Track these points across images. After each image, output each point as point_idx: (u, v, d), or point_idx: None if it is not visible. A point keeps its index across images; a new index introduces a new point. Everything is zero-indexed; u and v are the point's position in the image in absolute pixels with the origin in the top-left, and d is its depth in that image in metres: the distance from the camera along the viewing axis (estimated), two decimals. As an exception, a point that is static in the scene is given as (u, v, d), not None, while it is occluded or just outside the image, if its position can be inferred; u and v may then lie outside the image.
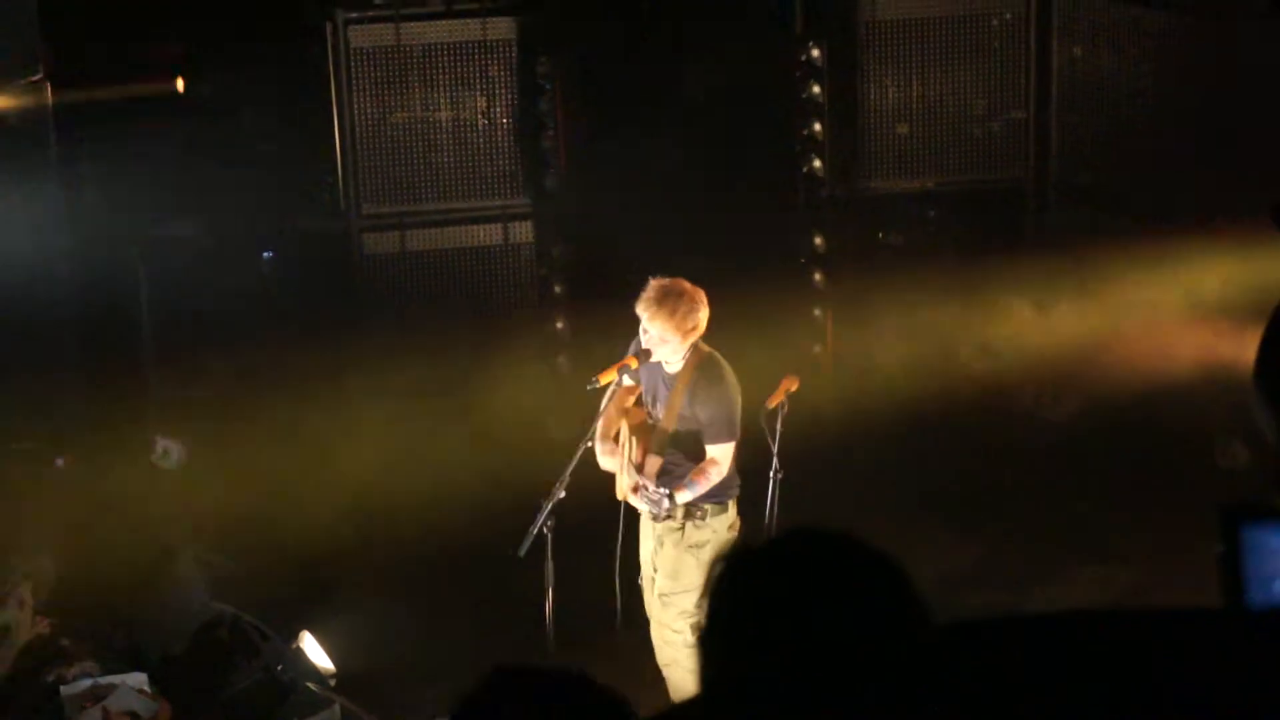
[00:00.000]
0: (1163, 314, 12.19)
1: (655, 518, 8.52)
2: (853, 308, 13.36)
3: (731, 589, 2.65)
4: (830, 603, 2.55)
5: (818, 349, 13.51)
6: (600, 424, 8.65)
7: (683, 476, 8.49)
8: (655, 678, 8.88)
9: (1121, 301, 12.35)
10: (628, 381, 8.77)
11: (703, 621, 2.71)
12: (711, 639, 2.65)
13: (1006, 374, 12.83)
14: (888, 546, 2.69)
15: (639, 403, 8.84)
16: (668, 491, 8.37)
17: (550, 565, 8.41)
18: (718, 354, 8.58)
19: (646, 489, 8.40)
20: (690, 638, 8.67)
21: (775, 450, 8.73)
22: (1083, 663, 2.81)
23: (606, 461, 8.68)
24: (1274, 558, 2.79)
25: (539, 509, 8.31)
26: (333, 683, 9.62)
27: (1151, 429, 12.05)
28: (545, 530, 8.32)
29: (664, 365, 8.56)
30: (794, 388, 8.89)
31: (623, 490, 8.72)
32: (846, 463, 12.21)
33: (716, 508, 8.59)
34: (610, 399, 8.69)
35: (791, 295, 13.39)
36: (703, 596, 7.69)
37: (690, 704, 2.81)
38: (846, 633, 2.52)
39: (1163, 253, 11.94)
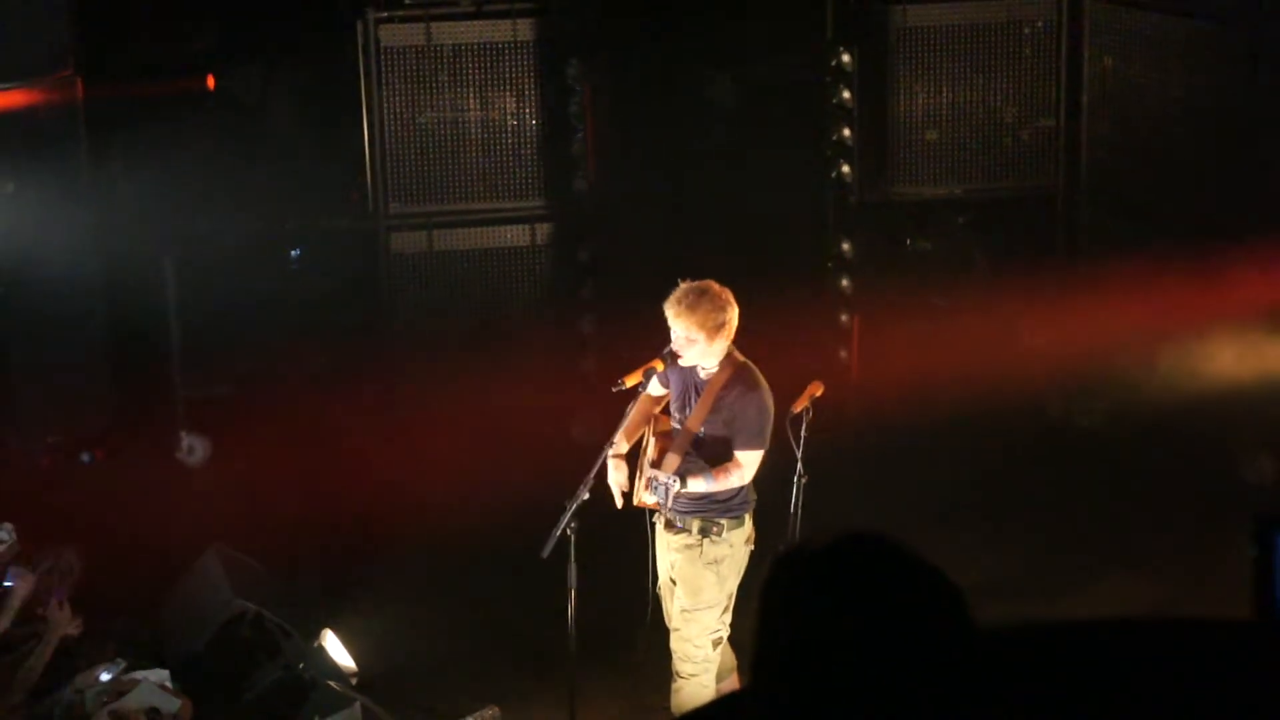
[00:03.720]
0: (1192, 325, 12.14)
1: (663, 508, 8.48)
2: (880, 313, 13.35)
3: (780, 591, 2.65)
4: (880, 606, 2.55)
5: (844, 354, 13.51)
6: (623, 429, 8.61)
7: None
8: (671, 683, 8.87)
9: (1151, 311, 12.31)
10: (657, 389, 8.74)
11: (742, 623, 2.72)
12: (759, 640, 2.64)
13: (1036, 381, 12.80)
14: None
15: (666, 410, 8.81)
16: (677, 477, 8.35)
17: (573, 567, 8.39)
18: (753, 364, 8.56)
19: (655, 478, 8.38)
20: (711, 652, 8.64)
21: (800, 455, 8.70)
22: (1114, 671, 2.80)
23: (614, 474, 8.56)
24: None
25: (563, 511, 8.29)
26: (354, 681, 9.63)
27: (1179, 440, 12.01)
28: (568, 532, 8.30)
29: (698, 371, 8.54)
30: (819, 393, 8.86)
31: (639, 496, 8.69)
32: (872, 468, 12.19)
33: (733, 522, 8.55)
34: (635, 404, 8.65)
35: (819, 300, 13.39)
36: (733, 603, 7.68)
37: (737, 703, 2.79)
38: (895, 637, 2.53)
39: (1193, 263, 11.90)
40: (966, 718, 2.53)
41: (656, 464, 8.57)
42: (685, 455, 8.54)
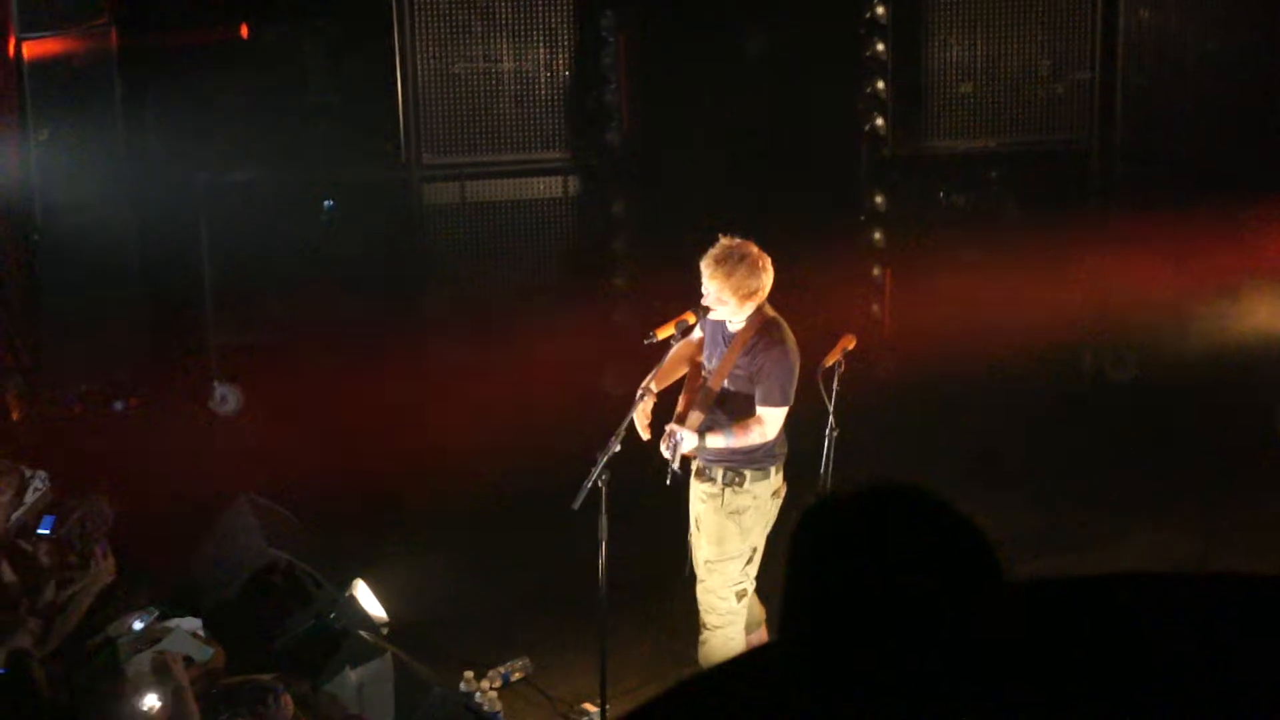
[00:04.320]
0: (1226, 280, 12.11)
1: (671, 463, 8.43)
2: (912, 267, 13.33)
3: (811, 541, 2.64)
4: (910, 557, 2.54)
5: (876, 308, 13.48)
6: (657, 371, 8.56)
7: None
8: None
9: (1185, 266, 12.28)
10: (696, 333, 8.69)
11: (784, 572, 2.70)
12: (789, 590, 2.64)
13: (1068, 335, 12.78)
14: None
15: (701, 351, 8.79)
16: (687, 433, 8.31)
17: (604, 519, 8.38)
18: (782, 320, 8.51)
19: (672, 433, 8.35)
20: (735, 605, 8.64)
21: (831, 409, 8.69)
22: (1145, 626, 2.80)
23: (640, 405, 8.48)
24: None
25: (594, 462, 8.28)
26: (385, 631, 9.65)
27: (1212, 394, 11.99)
28: (599, 484, 8.28)
29: (727, 324, 8.51)
30: (851, 346, 8.84)
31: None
32: (903, 422, 12.18)
33: (757, 473, 8.51)
34: (676, 348, 8.60)
35: (851, 254, 13.36)
36: (758, 555, 7.65)
37: (768, 654, 2.79)
38: (925, 588, 2.52)
39: (1227, 218, 11.86)
40: (997, 669, 2.53)
41: (680, 418, 8.55)
42: (710, 410, 8.52)
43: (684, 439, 8.30)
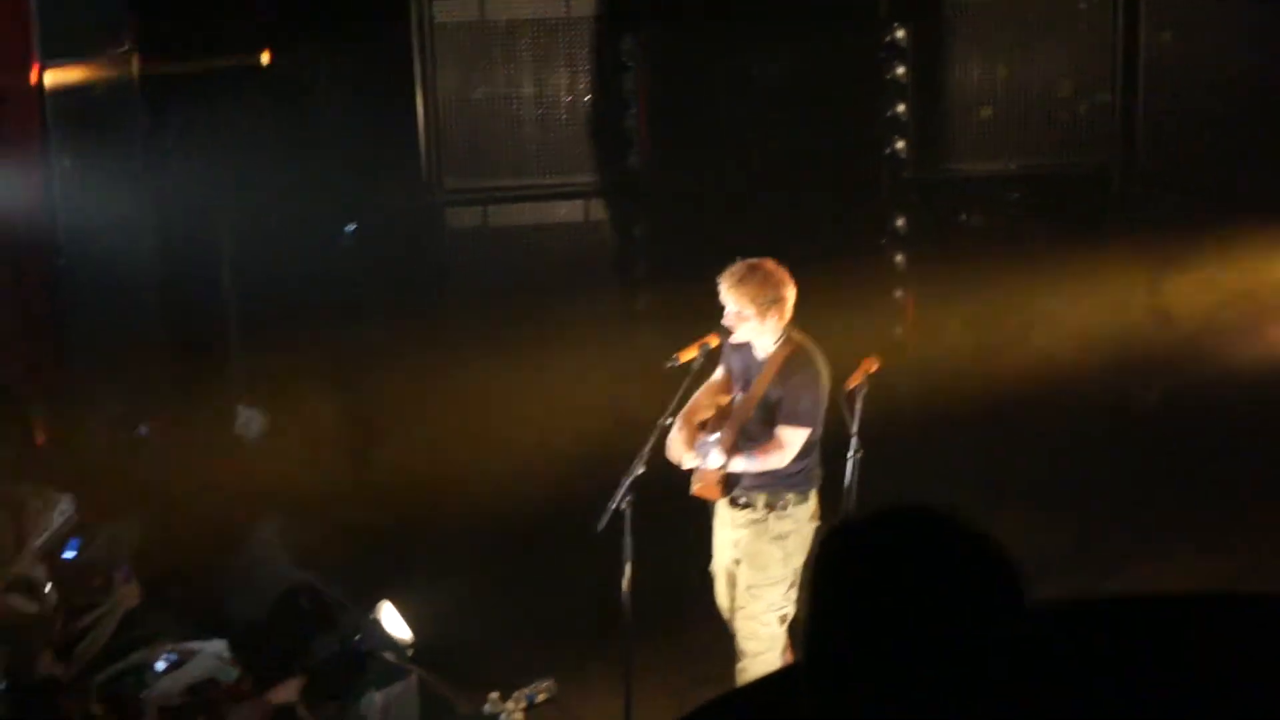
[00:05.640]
0: (1248, 301, 12.10)
1: (702, 468, 8.42)
2: (934, 289, 13.31)
3: (831, 564, 2.65)
4: (931, 579, 2.55)
5: (898, 330, 13.48)
6: (686, 408, 8.60)
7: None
8: (726, 657, 8.87)
9: (1208, 288, 12.27)
10: (719, 374, 8.72)
11: (802, 597, 2.71)
12: (811, 614, 2.65)
13: (1091, 357, 12.76)
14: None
15: (728, 392, 8.80)
16: (723, 451, 8.34)
17: (628, 541, 8.40)
18: (813, 345, 8.55)
19: (704, 441, 8.38)
20: (778, 630, 8.63)
21: (854, 431, 8.71)
22: (1177, 645, 2.81)
23: (675, 449, 8.55)
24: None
25: (618, 485, 8.31)
26: (410, 653, 9.67)
27: (1240, 417, 11.97)
28: (624, 506, 8.31)
29: (754, 350, 8.53)
30: (874, 369, 8.87)
31: (685, 457, 8.64)
32: (927, 445, 12.17)
33: (798, 498, 8.55)
34: (691, 380, 8.63)
35: (873, 276, 13.35)
36: (800, 579, 7.69)
37: (791, 676, 2.80)
38: (946, 610, 2.53)
39: (1250, 241, 11.86)
40: (1022, 689, 2.54)
41: (710, 428, 8.55)
42: (738, 433, 8.54)
43: (713, 452, 8.33)
